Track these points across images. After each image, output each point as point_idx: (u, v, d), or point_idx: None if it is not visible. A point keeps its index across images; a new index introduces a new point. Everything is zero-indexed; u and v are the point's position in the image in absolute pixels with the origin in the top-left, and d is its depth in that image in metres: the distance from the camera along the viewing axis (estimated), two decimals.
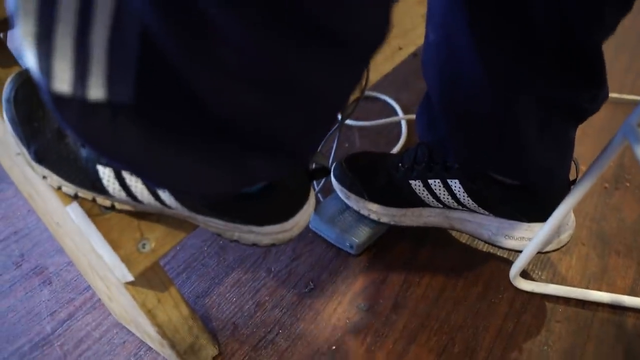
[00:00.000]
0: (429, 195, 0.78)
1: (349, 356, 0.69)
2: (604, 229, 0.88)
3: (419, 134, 0.79)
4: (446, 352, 0.70)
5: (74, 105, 0.40)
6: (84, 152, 0.53)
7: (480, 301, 0.76)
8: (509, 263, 0.79)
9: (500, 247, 0.79)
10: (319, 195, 0.90)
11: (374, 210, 0.82)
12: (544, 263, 0.82)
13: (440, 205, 0.79)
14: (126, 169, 0.51)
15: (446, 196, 0.76)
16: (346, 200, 0.84)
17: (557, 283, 0.79)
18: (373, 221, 0.83)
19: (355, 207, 0.83)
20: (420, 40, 1.01)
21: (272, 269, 0.81)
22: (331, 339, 0.71)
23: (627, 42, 1.41)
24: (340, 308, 0.75)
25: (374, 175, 0.82)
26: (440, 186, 0.76)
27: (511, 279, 0.78)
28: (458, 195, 0.75)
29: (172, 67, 0.38)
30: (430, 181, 0.77)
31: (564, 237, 0.76)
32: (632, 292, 0.78)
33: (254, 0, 0.32)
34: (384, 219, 0.82)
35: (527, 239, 0.76)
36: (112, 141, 0.43)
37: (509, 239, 0.77)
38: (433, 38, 0.67)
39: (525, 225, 0.76)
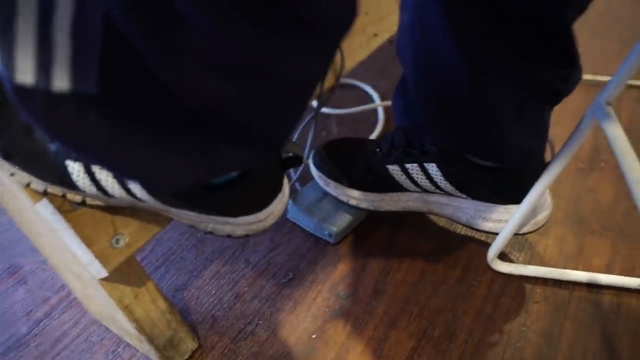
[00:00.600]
0: (407, 180, 0.78)
1: (329, 344, 0.69)
2: (580, 210, 0.89)
3: (395, 118, 0.79)
4: (426, 336, 0.70)
5: (38, 97, 0.39)
6: (52, 147, 0.51)
7: (460, 284, 0.77)
8: (487, 246, 0.80)
9: (478, 230, 0.80)
10: (297, 184, 0.89)
11: (353, 196, 0.81)
12: (521, 245, 0.83)
13: (418, 190, 0.79)
14: (95, 163, 0.50)
15: (424, 180, 0.76)
16: (325, 187, 0.84)
17: (534, 264, 0.80)
18: (351, 209, 0.83)
19: (335, 194, 0.83)
20: (395, 27, 1.00)
21: (251, 260, 0.80)
22: (311, 327, 0.71)
23: (601, 24, 1.42)
24: (319, 297, 0.75)
25: (353, 161, 0.82)
26: (418, 170, 0.76)
27: (489, 261, 0.78)
28: (435, 179, 0.75)
29: (138, 55, 0.37)
30: (407, 165, 0.77)
31: (541, 218, 0.77)
32: (608, 271, 0.79)
33: None
34: (363, 205, 0.82)
35: (504, 220, 0.76)
36: (79, 134, 0.42)
37: (487, 222, 0.78)
38: (407, 19, 0.66)
39: (502, 207, 0.76)
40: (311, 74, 0.43)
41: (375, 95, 1.15)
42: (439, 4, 0.59)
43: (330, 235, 0.81)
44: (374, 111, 1.12)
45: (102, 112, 0.40)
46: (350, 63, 0.91)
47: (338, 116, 1.11)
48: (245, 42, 0.36)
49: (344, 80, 1.20)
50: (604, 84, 0.56)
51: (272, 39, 0.36)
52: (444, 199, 0.79)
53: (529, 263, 0.80)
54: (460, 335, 0.70)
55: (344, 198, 0.82)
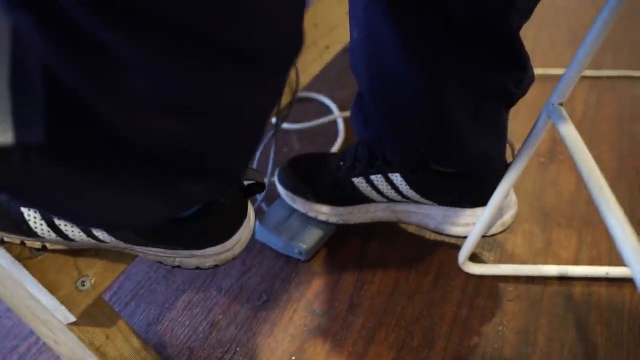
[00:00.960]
0: (373, 191, 0.78)
1: None
2: (544, 204, 0.90)
3: (356, 132, 0.79)
4: (405, 346, 0.70)
5: None
6: (4, 197, 0.50)
7: (434, 291, 0.77)
8: (457, 249, 0.80)
9: (447, 235, 0.80)
10: (263, 204, 0.89)
11: (321, 211, 0.81)
12: (490, 245, 0.83)
13: (384, 200, 0.79)
14: (49, 213, 0.49)
15: (389, 190, 0.77)
16: (292, 204, 0.83)
17: (505, 262, 0.81)
18: (319, 224, 0.83)
19: (302, 210, 0.83)
20: (346, 37, 1.01)
21: (223, 286, 0.79)
22: (290, 348, 0.71)
23: (547, 17, 1.45)
24: (296, 316, 0.75)
25: (318, 176, 0.82)
26: (382, 181, 0.76)
27: (460, 264, 0.79)
28: (400, 188, 0.76)
29: (81, 100, 0.36)
30: (372, 177, 0.77)
31: (507, 217, 0.78)
32: (576, 262, 0.81)
33: (147, 23, 0.31)
34: (332, 219, 0.82)
35: (472, 224, 0.77)
36: (27, 186, 0.41)
37: (455, 226, 0.78)
38: (357, 36, 0.67)
39: (469, 211, 0.77)
40: (257, 107, 0.42)
41: (333, 106, 1.15)
42: (388, 17, 0.60)
43: (300, 252, 0.81)
44: (334, 123, 1.12)
45: (51, 161, 0.39)
46: (305, 77, 0.91)
47: (298, 131, 1.10)
48: (184, 79, 0.35)
49: (300, 94, 1.19)
50: (556, 77, 0.58)
51: (211, 74, 0.35)
52: (411, 207, 0.79)
53: (500, 262, 0.81)
54: (439, 342, 0.71)
55: (312, 214, 0.82)
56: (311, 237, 0.81)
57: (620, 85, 1.20)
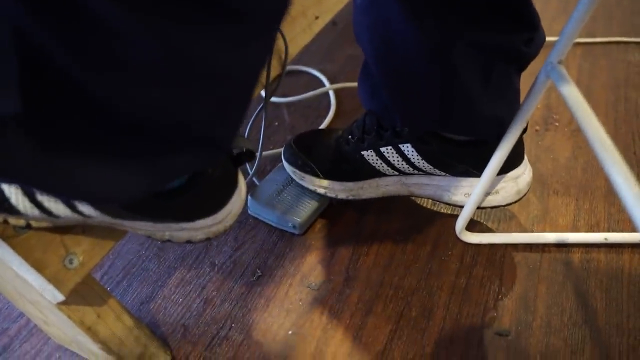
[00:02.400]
0: (383, 164, 0.76)
1: (307, 338, 0.67)
2: (541, 171, 0.89)
3: (363, 103, 0.77)
4: (404, 317, 0.69)
5: None
6: None
7: (431, 261, 0.76)
8: (454, 219, 0.79)
9: (462, 207, 0.78)
10: (254, 178, 0.87)
11: (330, 187, 0.79)
12: (487, 214, 0.82)
13: (396, 173, 0.77)
14: (30, 187, 0.47)
15: (400, 162, 0.75)
16: (300, 182, 0.81)
17: (502, 231, 0.80)
18: (313, 197, 0.81)
19: (311, 187, 0.81)
20: (336, 7, 0.99)
21: (216, 262, 0.77)
22: (286, 323, 0.69)
23: None
24: (291, 291, 0.73)
25: (326, 152, 0.80)
26: (393, 152, 0.74)
27: (457, 233, 0.78)
28: (412, 160, 0.74)
29: (59, 69, 0.34)
30: (382, 149, 0.75)
31: (523, 185, 0.76)
32: (574, 228, 0.80)
33: None
34: (341, 195, 0.80)
35: (488, 194, 0.75)
36: (6, 158, 0.39)
37: (469, 197, 0.76)
38: (360, 2, 0.64)
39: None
40: (247, 68, 0.40)
41: (323, 78, 1.13)
42: None
43: (294, 226, 0.79)
44: (325, 95, 1.10)
45: (29, 132, 0.37)
46: (294, 49, 0.88)
47: (289, 104, 1.08)
48: (168, 40, 0.33)
49: (290, 67, 1.17)
50: (550, 44, 0.56)
51: (198, 34, 0.33)
52: (423, 179, 0.77)
53: (497, 231, 0.80)
54: (438, 311, 0.69)
55: (321, 190, 0.80)
56: (305, 210, 0.80)
57: (614, 52, 1.19)
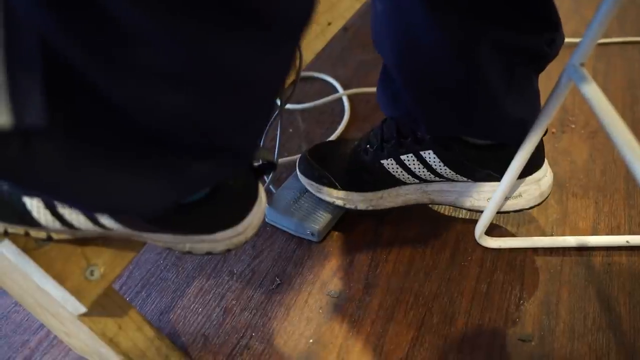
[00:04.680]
0: (404, 172, 0.75)
1: (328, 347, 0.67)
2: (558, 174, 0.88)
3: (383, 110, 0.76)
4: (425, 324, 0.69)
5: None
6: (5, 186, 0.48)
7: (451, 267, 0.75)
8: (473, 223, 0.78)
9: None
10: (271, 187, 0.87)
11: (348, 198, 0.78)
12: (506, 217, 0.81)
13: (416, 181, 0.76)
14: (53, 199, 0.47)
15: (422, 169, 0.74)
16: (317, 194, 0.80)
17: (522, 235, 0.79)
18: (330, 204, 0.81)
19: (329, 199, 0.79)
20: (348, 13, 0.99)
21: (235, 271, 0.77)
22: (307, 332, 0.69)
23: None
24: (311, 299, 0.73)
25: (342, 162, 0.79)
26: (414, 160, 0.73)
27: (477, 238, 0.77)
28: (434, 166, 0.73)
29: (84, 78, 0.34)
30: (402, 157, 0.74)
31: (545, 188, 0.75)
32: (594, 231, 0.79)
33: None
34: (360, 206, 0.79)
35: (509, 197, 0.75)
36: (29, 171, 0.38)
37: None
38: (382, 8, 0.63)
39: None
40: (273, 72, 0.40)
41: (337, 84, 1.13)
42: None
43: (312, 234, 0.79)
44: (339, 101, 1.09)
45: (54, 145, 0.37)
46: (308, 55, 0.88)
47: (303, 111, 1.08)
48: (192, 47, 0.32)
49: (303, 73, 1.17)
50: (573, 45, 0.55)
51: (228, 41, 0.33)
52: (445, 186, 0.76)
53: (517, 234, 0.79)
54: (459, 318, 0.69)
55: (339, 202, 0.79)
56: (323, 217, 0.79)
57: (629, 52, 1.18)
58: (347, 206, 0.79)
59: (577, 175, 0.88)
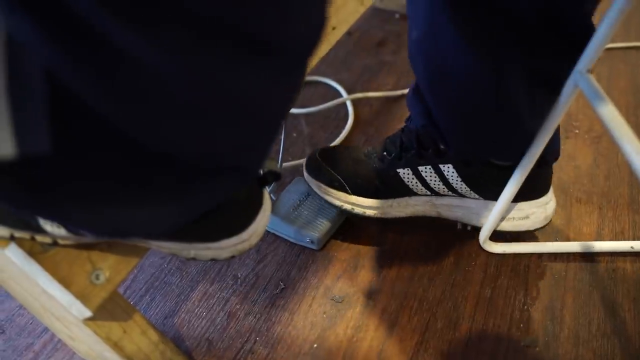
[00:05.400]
0: (418, 183, 0.75)
1: (332, 352, 0.67)
2: (563, 179, 0.88)
3: (415, 119, 0.75)
4: (429, 329, 0.69)
5: None
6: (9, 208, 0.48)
7: (455, 272, 0.75)
8: (477, 228, 0.78)
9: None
10: (272, 195, 0.87)
11: (358, 204, 0.77)
12: None
13: (428, 193, 0.76)
14: (60, 224, 0.46)
15: (437, 182, 0.74)
16: (325, 196, 0.79)
17: (526, 239, 0.79)
18: (330, 212, 0.80)
19: (337, 203, 0.78)
20: (352, 18, 0.99)
21: (239, 275, 0.77)
22: (311, 337, 0.69)
23: None
24: (315, 303, 0.73)
25: (355, 167, 0.78)
26: (431, 172, 0.73)
27: (481, 243, 0.77)
28: (450, 180, 0.73)
29: (88, 105, 0.33)
30: (420, 168, 0.73)
31: (550, 211, 0.76)
32: (599, 236, 0.79)
33: (161, 16, 0.28)
34: (369, 212, 0.78)
35: (517, 218, 0.75)
36: (34, 198, 0.38)
37: (501, 221, 0.76)
38: (417, 35, 0.63)
39: (515, 205, 0.75)
40: (284, 99, 0.40)
41: (340, 89, 1.13)
42: (448, 19, 0.57)
43: (312, 241, 0.79)
44: (343, 105, 1.09)
45: (58, 173, 0.36)
46: (312, 60, 0.88)
47: (307, 115, 1.08)
48: (201, 78, 0.32)
49: (307, 78, 1.17)
50: None
51: (239, 70, 0.33)
52: (454, 201, 0.76)
53: (520, 239, 0.79)
54: (464, 323, 0.69)
55: (348, 207, 0.78)
56: (322, 225, 0.79)
57: (632, 57, 1.18)
58: (356, 211, 0.78)
59: (581, 180, 0.88)
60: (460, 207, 0.77)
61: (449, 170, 0.72)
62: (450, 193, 0.75)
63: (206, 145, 0.38)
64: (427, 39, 0.62)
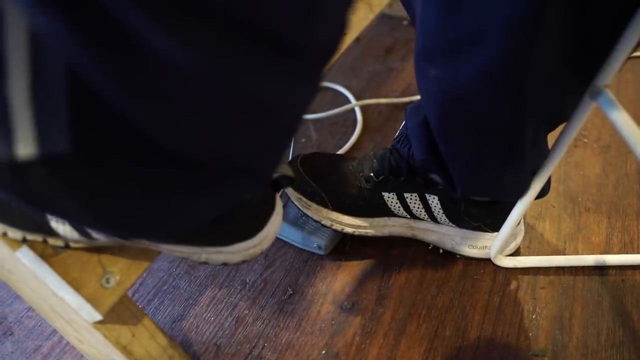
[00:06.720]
0: (401, 207, 0.75)
1: (340, 358, 0.67)
2: (571, 188, 0.88)
3: (415, 152, 0.71)
4: (438, 336, 0.68)
5: (2, 168, 0.35)
6: (28, 209, 0.48)
7: (463, 280, 0.75)
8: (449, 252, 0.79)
9: (461, 256, 0.78)
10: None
11: (338, 220, 0.76)
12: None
13: (407, 216, 0.76)
14: (78, 224, 0.47)
15: (420, 209, 0.74)
16: (304, 210, 0.76)
17: (534, 249, 0.79)
18: None
19: (316, 218, 0.76)
20: (362, 24, 0.99)
21: (247, 281, 0.77)
22: (319, 343, 0.69)
23: None
24: (323, 310, 0.73)
25: (339, 183, 0.76)
26: (416, 200, 0.73)
27: (492, 258, 0.76)
28: (433, 210, 0.74)
29: (110, 107, 0.33)
30: (406, 195, 0.73)
31: (520, 240, 0.79)
32: (607, 246, 0.79)
33: (195, 21, 0.28)
34: (347, 230, 0.76)
35: (489, 247, 0.76)
36: (54, 199, 0.38)
37: (472, 248, 0.77)
38: (434, 73, 0.58)
39: (489, 234, 0.76)
40: (302, 103, 0.40)
41: (349, 95, 1.13)
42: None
43: (319, 247, 0.79)
44: (351, 111, 1.10)
45: (78, 173, 0.36)
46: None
47: (315, 121, 1.08)
48: (229, 80, 0.32)
49: None
50: None
51: (262, 74, 0.33)
52: (431, 226, 0.77)
53: (529, 248, 0.79)
54: (472, 331, 0.69)
55: (327, 222, 0.76)
56: (330, 231, 0.79)
57: None
58: (334, 227, 0.76)
59: (590, 190, 0.88)
60: (436, 233, 0.77)
61: (434, 201, 0.73)
62: (428, 219, 0.75)
63: (226, 147, 0.38)
64: (445, 78, 0.57)
